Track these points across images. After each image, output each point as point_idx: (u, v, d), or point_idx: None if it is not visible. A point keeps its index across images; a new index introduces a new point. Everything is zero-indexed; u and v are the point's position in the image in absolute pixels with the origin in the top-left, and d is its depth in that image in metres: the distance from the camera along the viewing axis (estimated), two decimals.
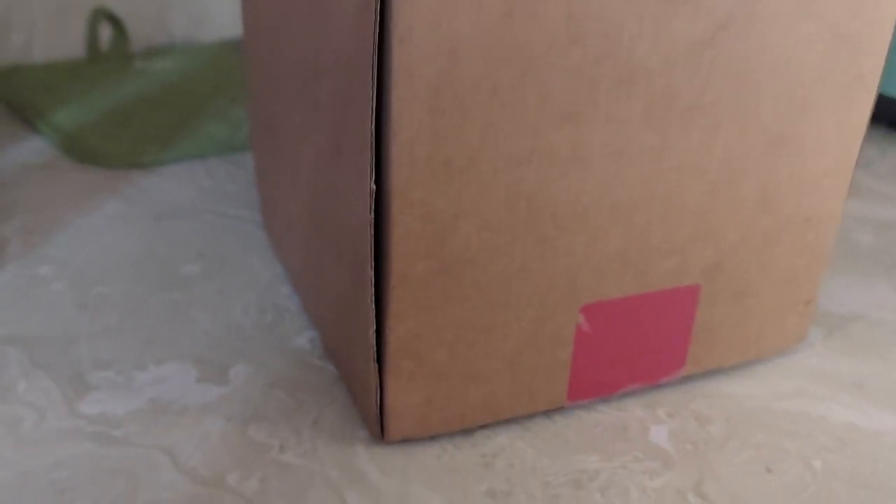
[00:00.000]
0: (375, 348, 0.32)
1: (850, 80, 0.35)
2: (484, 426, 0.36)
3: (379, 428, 0.34)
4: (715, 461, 0.34)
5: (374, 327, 0.31)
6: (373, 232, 0.30)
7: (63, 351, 0.39)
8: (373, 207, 0.29)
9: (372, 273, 0.30)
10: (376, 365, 0.32)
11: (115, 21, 0.75)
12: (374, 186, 0.29)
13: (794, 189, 0.36)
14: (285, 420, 0.35)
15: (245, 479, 0.32)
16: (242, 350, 0.40)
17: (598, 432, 0.36)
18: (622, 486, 0.33)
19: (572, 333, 0.34)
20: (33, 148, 0.61)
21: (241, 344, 0.40)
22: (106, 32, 0.76)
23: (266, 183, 0.46)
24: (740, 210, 0.35)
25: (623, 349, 0.36)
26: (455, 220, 0.30)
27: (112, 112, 0.65)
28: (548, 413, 0.36)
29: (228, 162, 0.60)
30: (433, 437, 0.35)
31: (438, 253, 0.31)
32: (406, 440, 0.35)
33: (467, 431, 0.35)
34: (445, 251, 0.31)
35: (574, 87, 0.29)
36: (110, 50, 0.75)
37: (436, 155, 0.29)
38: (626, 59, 0.30)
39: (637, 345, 0.36)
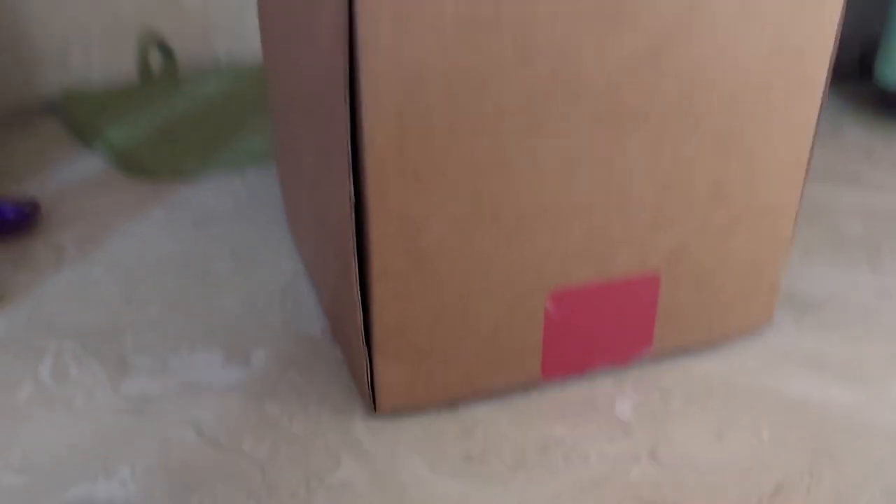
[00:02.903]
0: (364, 332, 0.37)
1: (794, 84, 0.38)
2: (466, 399, 0.40)
3: (372, 401, 0.39)
4: (671, 430, 0.38)
5: (361, 314, 0.36)
6: (354, 233, 0.35)
7: (111, 340, 0.45)
8: (353, 212, 0.34)
9: (356, 268, 0.35)
10: (366, 347, 0.37)
11: (164, 46, 0.82)
12: (353, 194, 0.34)
13: (747, 184, 0.40)
14: (296, 397, 0.41)
15: (258, 446, 0.38)
16: (263, 337, 0.45)
17: (568, 405, 0.40)
18: (583, 452, 0.37)
19: (542, 317, 0.39)
20: (90, 164, 0.68)
21: (263, 332, 0.46)
22: (156, 57, 0.83)
23: (286, 188, 0.52)
24: (695, 204, 0.39)
25: (591, 330, 0.40)
26: (427, 220, 0.35)
27: (160, 130, 0.72)
28: (525, 388, 0.41)
29: (262, 172, 0.66)
30: (421, 410, 0.40)
31: (414, 249, 0.35)
32: (396, 413, 0.40)
33: (451, 404, 0.40)
34: (420, 247, 0.36)
35: (527, 101, 0.34)
36: (160, 72, 0.83)
37: (406, 166, 0.34)
38: (574, 74, 0.34)
39: (604, 326, 0.40)
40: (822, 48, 0.38)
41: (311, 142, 0.40)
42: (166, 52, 0.82)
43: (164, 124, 0.73)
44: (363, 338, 0.37)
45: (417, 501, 0.35)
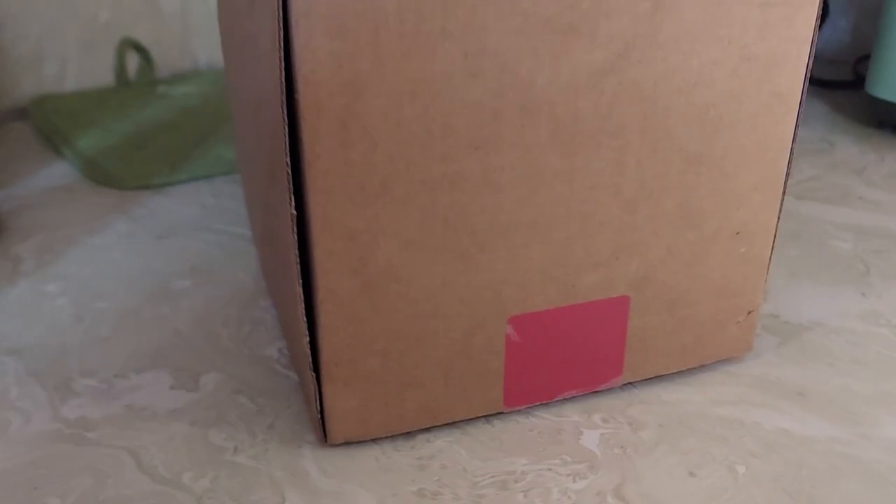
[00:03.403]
0: (311, 357, 0.35)
1: (766, 99, 0.36)
2: (425, 430, 0.38)
3: (322, 431, 0.37)
4: (640, 465, 0.36)
5: (307, 338, 0.34)
6: (298, 252, 0.33)
7: (56, 361, 0.43)
8: (295, 230, 0.32)
9: (300, 289, 0.33)
10: (313, 373, 0.35)
11: (141, 50, 0.80)
12: (294, 211, 0.32)
13: (718, 204, 0.37)
14: (244, 424, 0.39)
15: (198, 478, 0.35)
16: (216, 359, 0.43)
17: (533, 436, 0.38)
18: (545, 488, 0.35)
19: (503, 343, 0.37)
20: (57, 172, 0.66)
21: (216, 354, 0.44)
22: (134, 61, 0.81)
23: (247, 200, 0.50)
24: (663, 225, 0.37)
25: (556, 358, 0.38)
26: (375, 239, 0.33)
27: (131, 136, 0.70)
28: (487, 418, 0.39)
29: (233, 181, 0.64)
30: (376, 441, 0.37)
31: (362, 270, 0.33)
32: (349, 443, 0.37)
33: (408, 435, 0.38)
34: (369, 268, 0.33)
35: (477, 117, 0.32)
36: (137, 77, 0.81)
37: (350, 181, 0.31)
38: (527, 89, 0.32)
39: (570, 354, 0.38)
40: (796, 56, 0.36)
41: (260, 152, 0.38)
42: (143, 56, 0.80)
43: (136, 131, 0.71)
44: (311, 363, 0.35)
45: None
